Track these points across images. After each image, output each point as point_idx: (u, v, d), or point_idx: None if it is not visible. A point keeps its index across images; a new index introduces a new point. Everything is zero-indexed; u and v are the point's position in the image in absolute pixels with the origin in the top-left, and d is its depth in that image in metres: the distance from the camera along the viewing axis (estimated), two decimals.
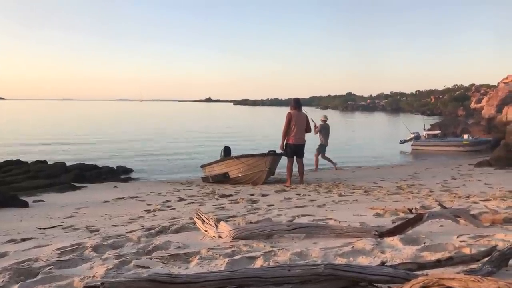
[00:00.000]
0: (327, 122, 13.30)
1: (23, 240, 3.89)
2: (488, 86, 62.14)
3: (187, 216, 4.89)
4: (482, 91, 59.73)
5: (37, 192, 8.91)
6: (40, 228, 4.71)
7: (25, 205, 7.09)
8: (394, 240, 2.98)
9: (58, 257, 2.89)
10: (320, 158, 13.42)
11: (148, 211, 6.06)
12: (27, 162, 13.53)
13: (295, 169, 9.66)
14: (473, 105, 52.06)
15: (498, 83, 33.18)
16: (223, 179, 10.32)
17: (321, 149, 13.44)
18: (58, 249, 3.14)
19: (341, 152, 20.89)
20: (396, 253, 2.68)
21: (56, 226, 4.90)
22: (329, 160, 13.67)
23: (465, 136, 21.55)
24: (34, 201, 7.63)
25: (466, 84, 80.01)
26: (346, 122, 53.11)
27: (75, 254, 3.01)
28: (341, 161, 14.85)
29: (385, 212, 4.53)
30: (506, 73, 33.45)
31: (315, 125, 12.61)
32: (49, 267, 2.62)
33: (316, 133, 12.99)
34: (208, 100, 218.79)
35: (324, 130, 13.19)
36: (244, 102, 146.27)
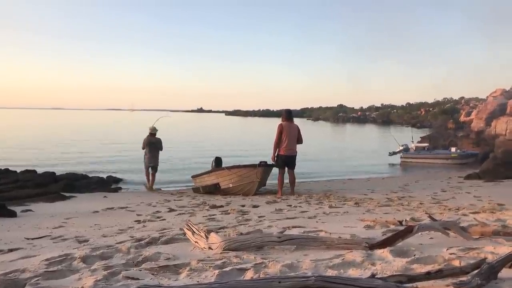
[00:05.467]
0: (157, 136, 11.23)
1: (10, 250, 3.83)
2: (477, 99, 62.98)
3: (177, 227, 4.85)
4: (471, 104, 60.45)
5: (26, 201, 8.78)
6: (28, 239, 4.64)
7: (13, 214, 6.98)
8: (384, 252, 2.98)
9: (46, 268, 2.85)
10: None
11: (138, 221, 6.01)
12: (15, 171, 13.42)
13: (286, 180, 9.69)
14: (462, 118, 52.45)
15: (487, 97, 33.65)
16: (214, 189, 10.29)
17: (145, 165, 11.64)
18: (46, 259, 3.10)
19: (332, 163, 21.04)
20: (386, 265, 2.69)
21: (44, 236, 4.83)
22: (148, 179, 11.78)
23: (453, 149, 21.81)
24: (22, 211, 7.52)
25: (456, 97, 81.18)
26: (337, 134, 53.39)
27: (63, 265, 2.97)
28: (332, 173, 14.88)
29: (375, 224, 4.54)
30: (495, 87, 34.03)
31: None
32: (36, 278, 2.58)
33: (143, 148, 11.30)
34: (200, 110, 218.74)
35: (150, 145, 11.18)
36: (236, 112, 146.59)
